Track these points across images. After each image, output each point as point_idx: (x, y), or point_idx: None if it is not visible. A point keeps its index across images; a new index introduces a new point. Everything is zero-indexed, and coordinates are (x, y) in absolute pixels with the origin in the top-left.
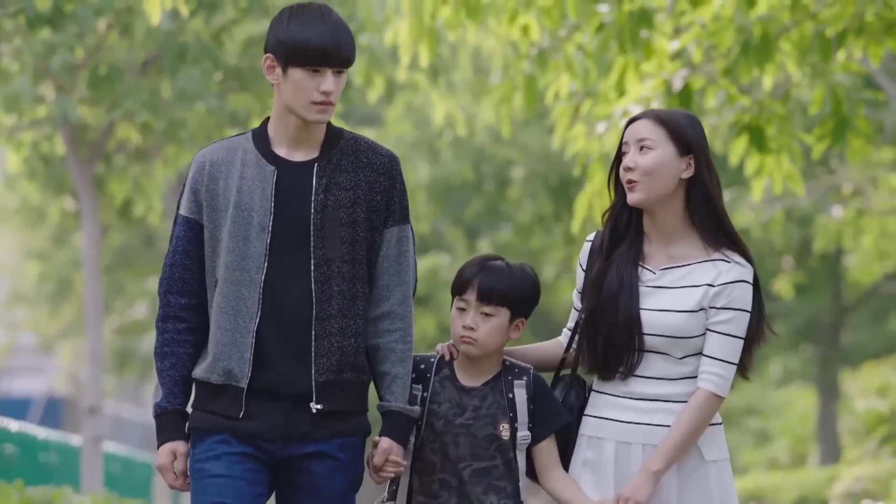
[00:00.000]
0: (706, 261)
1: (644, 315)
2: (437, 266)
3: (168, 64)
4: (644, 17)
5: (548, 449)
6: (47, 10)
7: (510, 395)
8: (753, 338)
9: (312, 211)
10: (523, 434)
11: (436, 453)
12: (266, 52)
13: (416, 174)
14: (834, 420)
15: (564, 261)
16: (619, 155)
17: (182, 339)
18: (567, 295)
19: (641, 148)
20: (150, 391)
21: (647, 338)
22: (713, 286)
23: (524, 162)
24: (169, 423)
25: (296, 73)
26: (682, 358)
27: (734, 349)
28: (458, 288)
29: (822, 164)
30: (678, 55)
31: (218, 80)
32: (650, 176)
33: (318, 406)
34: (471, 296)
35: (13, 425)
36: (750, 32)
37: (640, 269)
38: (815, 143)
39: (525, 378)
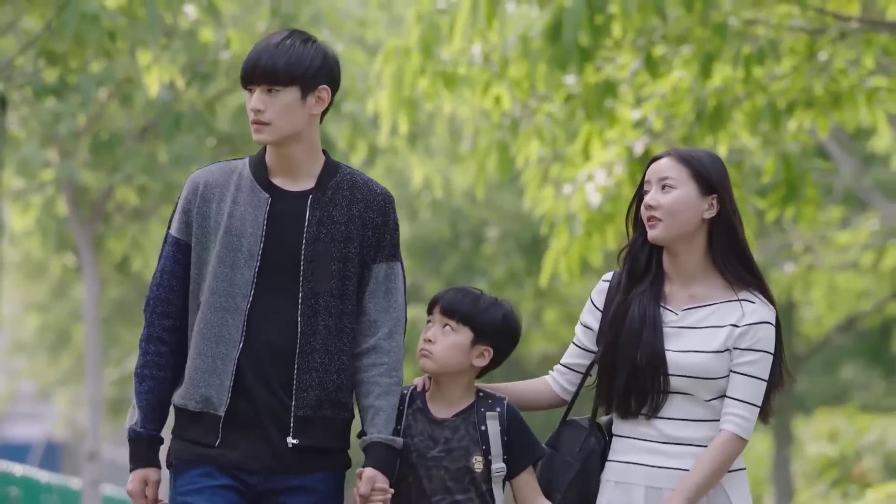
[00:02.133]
0: (730, 301)
1: (670, 356)
2: (416, 318)
3: (164, 131)
4: (608, 88)
5: (526, 481)
6: (53, 82)
7: (482, 428)
8: (775, 382)
9: (304, 243)
10: (498, 466)
11: (411, 487)
12: None
13: None
14: (788, 464)
15: (535, 312)
16: (640, 193)
17: (162, 363)
18: (538, 346)
19: (664, 187)
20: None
21: (672, 379)
22: (738, 326)
23: (498, 221)
24: (142, 449)
25: (246, 97)
26: (708, 400)
27: (758, 391)
28: (429, 306)
29: (774, 223)
30: (640, 123)
31: (211, 146)
32: (672, 214)
33: (295, 441)
34: (436, 310)
35: (17, 469)
36: (705, 103)
37: (662, 310)
38: (767, 209)
39: (498, 409)
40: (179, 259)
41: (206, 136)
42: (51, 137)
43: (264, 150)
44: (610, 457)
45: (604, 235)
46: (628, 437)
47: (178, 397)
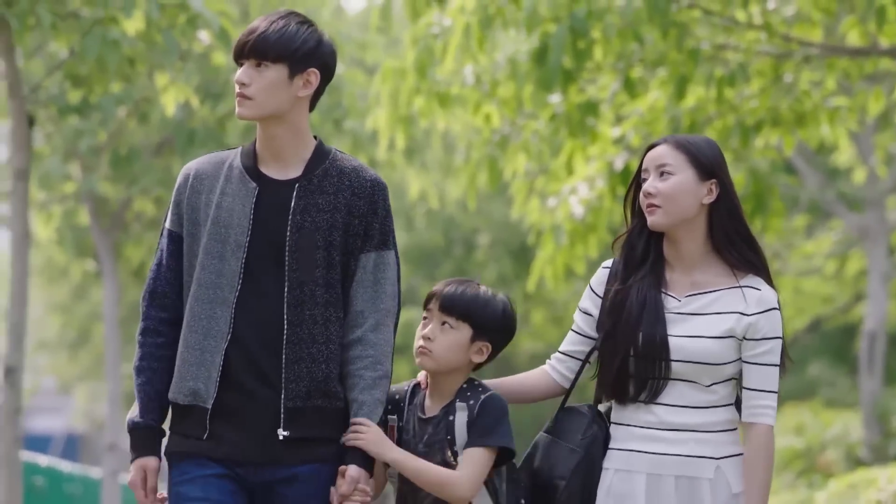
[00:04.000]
0: (734, 287)
1: (672, 341)
2: (412, 320)
3: (179, 146)
4: (590, 108)
5: (468, 456)
6: (76, 102)
7: (450, 418)
8: (784, 363)
9: (288, 232)
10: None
11: (406, 483)
12: None
13: None
14: None
15: (523, 314)
16: (638, 180)
17: (159, 355)
18: (526, 346)
19: (662, 173)
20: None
21: (675, 364)
22: (746, 315)
23: (488, 230)
24: (140, 438)
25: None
26: (709, 385)
27: (775, 378)
28: (426, 299)
29: None
30: (619, 140)
31: None
32: (671, 200)
33: (285, 433)
34: (434, 305)
35: (42, 460)
36: (680, 122)
37: (663, 295)
38: None
39: (472, 401)
40: (174, 251)
41: (218, 150)
42: (73, 153)
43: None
44: (611, 445)
45: (586, 244)
46: (628, 425)
47: (170, 391)
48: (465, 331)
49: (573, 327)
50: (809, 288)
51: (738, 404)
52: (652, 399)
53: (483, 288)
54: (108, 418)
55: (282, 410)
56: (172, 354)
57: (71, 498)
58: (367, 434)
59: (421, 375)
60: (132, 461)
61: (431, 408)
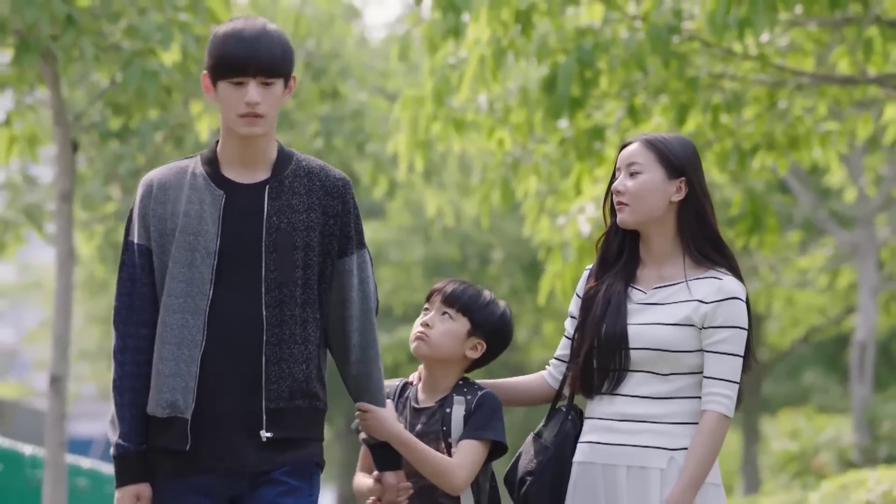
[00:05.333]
0: (697, 278)
1: (631, 330)
2: None
3: None
4: (596, 132)
5: (463, 447)
6: (116, 128)
7: (447, 410)
8: (748, 362)
9: (265, 234)
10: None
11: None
12: (203, 70)
13: (413, 254)
14: (755, 458)
15: (534, 326)
16: (613, 179)
17: (141, 373)
18: (537, 355)
19: (631, 172)
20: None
21: (633, 353)
22: (704, 303)
23: (502, 246)
24: (131, 464)
25: (223, 88)
26: (667, 375)
27: (734, 368)
28: (428, 295)
29: (742, 248)
30: None
31: None
32: (637, 198)
33: (268, 434)
34: (437, 298)
35: (84, 462)
36: None
37: (631, 289)
38: (735, 237)
39: (470, 396)
40: (145, 266)
41: None
42: (114, 175)
43: (215, 145)
44: (580, 439)
45: (593, 260)
46: (591, 418)
47: (148, 406)
48: (463, 323)
49: (565, 333)
50: (803, 300)
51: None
52: (613, 390)
53: (487, 292)
54: None
55: (263, 411)
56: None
57: (111, 498)
58: (373, 414)
59: (413, 375)
60: (120, 487)
61: (425, 399)
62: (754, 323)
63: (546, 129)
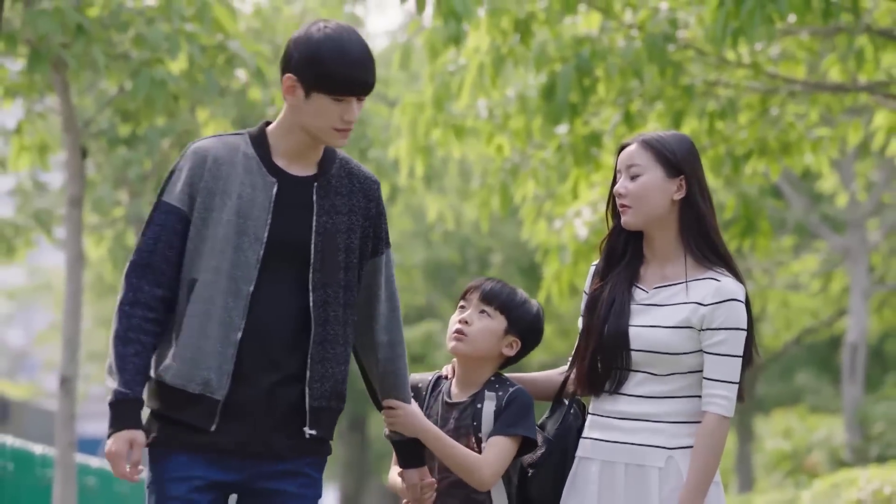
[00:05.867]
0: (697, 279)
1: (632, 331)
2: (430, 331)
3: None
4: (594, 139)
5: (493, 443)
6: (125, 134)
7: (479, 406)
8: (749, 359)
9: (314, 233)
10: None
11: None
12: (288, 71)
13: (414, 257)
14: (749, 457)
15: None
16: (615, 181)
17: (148, 329)
18: (536, 356)
19: (632, 174)
20: None
21: (634, 354)
22: (703, 305)
23: (500, 249)
24: (128, 410)
25: (320, 99)
26: (666, 375)
27: (733, 368)
28: (464, 292)
29: (736, 251)
30: None
31: None
32: (639, 200)
33: (312, 432)
34: (474, 295)
35: (93, 462)
36: None
37: (634, 288)
38: (729, 240)
39: (501, 392)
40: (178, 230)
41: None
42: (122, 180)
43: (263, 127)
44: (583, 434)
45: (589, 263)
46: (594, 415)
47: (171, 376)
48: (500, 321)
49: (580, 330)
50: (796, 303)
51: None
52: (617, 389)
53: (521, 290)
54: None
55: (308, 409)
56: (159, 332)
57: (119, 496)
58: (402, 411)
59: (446, 368)
60: (116, 432)
61: (458, 395)
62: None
63: (544, 136)
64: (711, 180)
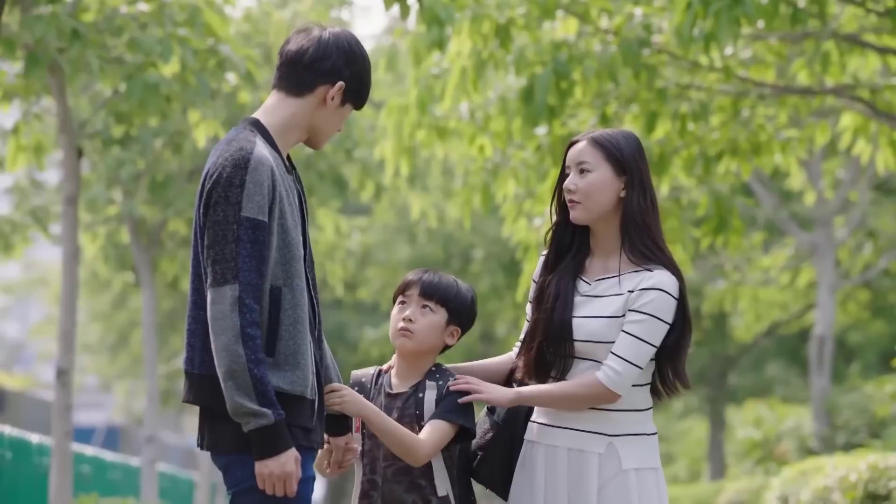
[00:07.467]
0: (633, 271)
1: (575, 322)
2: None
3: None
4: (571, 139)
5: (431, 425)
6: (118, 134)
7: (420, 395)
8: (677, 351)
9: (309, 240)
10: None
11: (367, 456)
12: (341, 79)
13: (399, 253)
14: (721, 445)
15: (513, 320)
16: (563, 176)
17: (261, 346)
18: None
19: (581, 171)
20: (189, 422)
21: (577, 344)
22: (632, 293)
23: (482, 245)
24: (283, 430)
25: (348, 110)
26: None
27: (637, 351)
28: (402, 288)
29: (709, 247)
30: None
31: None
32: (589, 197)
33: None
34: (413, 291)
35: (87, 450)
36: (650, 152)
37: (578, 280)
38: (701, 237)
39: (443, 381)
40: (268, 244)
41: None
42: (116, 180)
43: (259, 127)
44: (531, 417)
45: None
46: None
47: (288, 383)
48: (442, 314)
49: (526, 318)
50: (766, 297)
51: (654, 387)
52: (562, 377)
53: (452, 277)
54: (146, 413)
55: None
56: None
57: (113, 484)
58: (346, 397)
59: (386, 364)
60: (281, 453)
61: (399, 385)
62: (719, 319)
63: (524, 136)
64: (684, 179)
